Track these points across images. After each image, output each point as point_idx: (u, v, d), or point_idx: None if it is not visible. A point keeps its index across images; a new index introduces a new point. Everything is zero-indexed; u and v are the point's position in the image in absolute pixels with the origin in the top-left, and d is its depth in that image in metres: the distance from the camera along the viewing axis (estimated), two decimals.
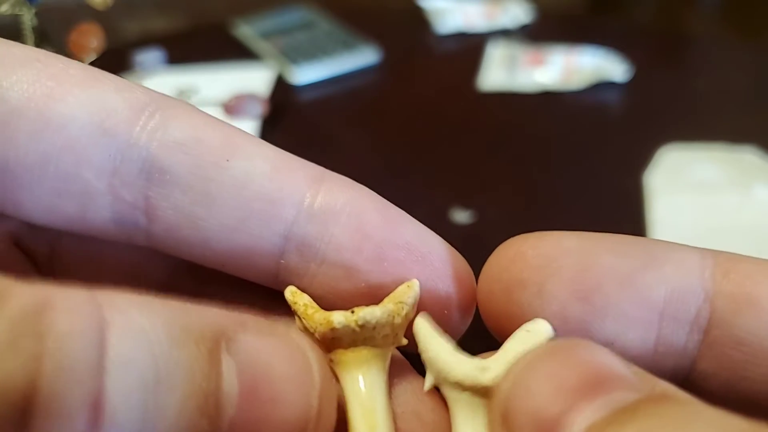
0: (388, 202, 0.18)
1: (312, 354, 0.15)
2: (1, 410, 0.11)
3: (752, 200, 0.58)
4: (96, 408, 0.11)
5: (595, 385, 0.13)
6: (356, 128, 0.71)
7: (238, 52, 0.84)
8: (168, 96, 0.17)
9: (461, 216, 0.56)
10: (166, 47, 0.81)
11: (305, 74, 0.78)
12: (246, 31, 0.88)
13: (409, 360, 0.18)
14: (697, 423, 0.12)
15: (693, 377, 0.16)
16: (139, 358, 0.12)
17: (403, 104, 0.76)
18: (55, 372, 0.11)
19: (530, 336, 0.16)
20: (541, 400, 0.13)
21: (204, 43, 0.88)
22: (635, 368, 0.14)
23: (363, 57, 0.81)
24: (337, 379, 0.16)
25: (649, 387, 0.14)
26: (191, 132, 0.17)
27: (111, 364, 0.12)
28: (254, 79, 0.77)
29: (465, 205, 0.56)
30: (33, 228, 0.18)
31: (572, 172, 0.63)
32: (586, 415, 0.13)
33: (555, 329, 0.16)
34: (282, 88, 0.77)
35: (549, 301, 0.16)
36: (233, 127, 0.18)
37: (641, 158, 0.62)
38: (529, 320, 0.16)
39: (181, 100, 0.18)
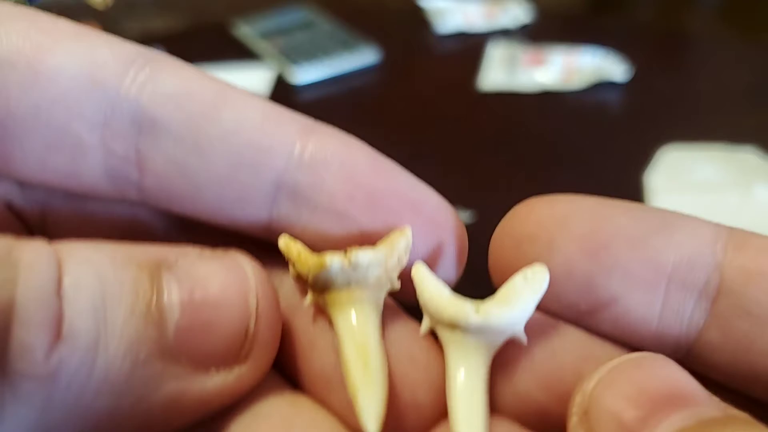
0: (379, 154, 0.18)
1: (247, 263, 0.16)
2: None
3: (752, 200, 0.58)
4: (57, 324, 0.13)
5: (680, 397, 0.14)
6: (356, 128, 0.71)
7: (238, 52, 0.84)
8: (157, 51, 0.17)
9: (461, 216, 0.55)
10: (166, 47, 0.80)
11: (305, 74, 0.78)
12: (246, 31, 0.88)
13: (404, 312, 0.18)
14: None
15: (698, 348, 0.16)
16: (88, 282, 0.14)
17: (403, 104, 0.76)
18: (26, 293, 0.13)
19: (527, 282, 0.16)
20: (627, 403, 0.14)
21: (204, 43, 0.88)
22: (714, 397, 0.14)
23: (363, 57, 0.81)
24: (331, 323, 0.17)
25: (725, 410, 0.14)
26: (181, 84, 0.17)
27: (65, 288, 0.14)
28: (254, 79, 0.77)
29: (465, 205, 0.56)
30: (24, 190, 0.18)
31: (572, 172, 0.63)
32: (672, 420, 0.13)
33: (561, 284, 0.16)
34: (282, 88, 0.77)
35: (556, 254, 0.16)
36: (223, 80, 0.18)
37: (641, 158, 0.62)
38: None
39: (169, 56, 0.18)
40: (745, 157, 0.63)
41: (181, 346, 0.15)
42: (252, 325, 0.15)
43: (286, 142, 0.17)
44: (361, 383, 0.15)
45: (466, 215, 0.55)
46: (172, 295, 0.15)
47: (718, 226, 0.16)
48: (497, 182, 0.62)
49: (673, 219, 0.17)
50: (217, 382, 0.15)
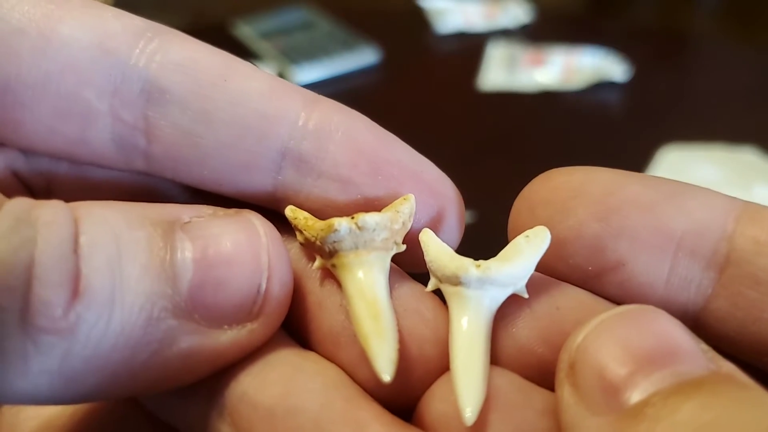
0: (380, 126, 0.18)
1: (259, 222, 0.16)
2: (12, 278, 0.13)
3: (751, 200, 0.58)
4: (75, 281, 0.14)
5: (664, 354, 0.13)
6: None
7: (238, 52, 0.83)
8: (164, 26, 0.18)
9: None
10: None
11: (305, 74, 0.78)
12: (246, 31, 0.88)
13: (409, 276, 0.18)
14: (758, 407, 0.12)
15: (705, 316, 0.16)
16: (103, 240, 0.14)
17: (403, 104, 0.76)
18: (45, 252, 0.14)
19: (528, 241, 0.16)
20: (612, 359, 0.14)
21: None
22: (704, 345, 0.14)
23: (363, 57, 0.81)
24: (339, 285, 0.17)
25: (715, 366, 0.14)
26: (189, 54, 0.17)
27: (82, 246, 0.14)
28: None
29: (465, 205, 0.56)
30: (29, 159, 0.18)
31: None
32: (652, 381, 0.13)
33: (570, 245, 0.16)
34: None
35: (568, 217, 0.17)
36: (230, 54, 0.18)
37: (641, 158, 0.62)
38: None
39: (177, 30, 0.18)
40: (745, 157, 0.63)
41: (194, 303, 0.15)
42: (264, 283, 0.16)
43: (291, 111, 0.17)
44: (373, 335, 0.16)
45: (466, 215, 0.55)
46: (186, 252, 0.15)
47: (733, 198, 0.17)
48: (497, 182, 0.62)
49: (686, 189, 0.17)
50: (231, 337, 0.16)
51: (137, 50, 0.17)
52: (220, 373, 0.16)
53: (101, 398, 0.15)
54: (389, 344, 0.16)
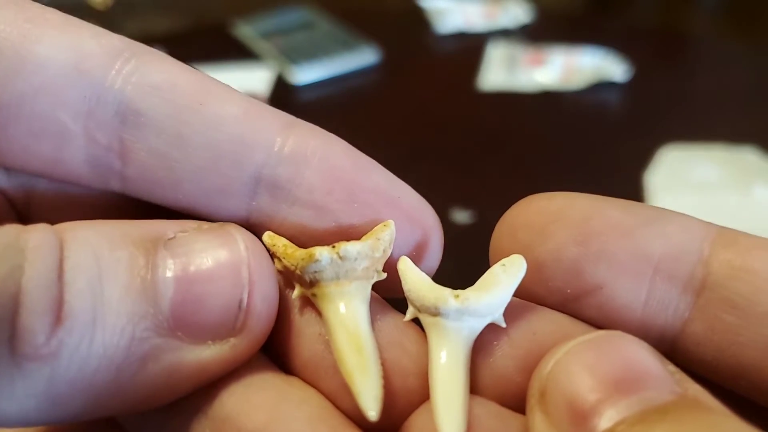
0: (358, 151, 0.18)
1: (240, 236, 0.16)
2: (0, 308, 0.14)
3: (752, 200, 0.58)
4: (58, 308, 0.14)
5: (631, 380, 0.14)
6: (356, 128, 0.71)
7: (238, 52, 0.84)
8: (143, 44, 0.18)
9: (461, 216, 0.56)
10: (167, 47, 0.80)
11: (305, 74, 0.78)
12: (246, 31, 0.88)
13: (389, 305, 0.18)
14: None
15: (683, 340, 0.17)
16: (86, 263, 0.15)
17: (403, 104, 0.76)
18: (33, 278, 0.14)
19: (505, 270, 0.16)
20: (579, 387, 0.14)
21: (204, 43, 0.88)
22: (672, 367, 0.14)
23: (363, 57, 0.81)
24: (320, 314, 0.17)
25: (682, 389, 0.14)
26: (166, 77, 0.17)
27: (66, 272, 0.14)
28: (254, 79, 0.77)
29: (465, 205, 0.56)
30: (9, 173, 0.18)
31: (572, 172, 0.63)
32: (618, 409, 0.13)
33: (549, 268, 0.17)
34: (282, 88, 0.77)
35: (547, 240, 0.17)
36: (206, 74, 0.18)
37: (641, 158, 0.62)
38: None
39: (156, 50, 0.18)
40: (745, 157, 0.63)
41: (176, 320, 0.15)
42: (245, 297, 0.16)
43: (266, 136, 0.17)
44: (356, 370, 0.16)
45: (466, 215, 0.55)
46: (167, 271, 0.15)
47: (708, 224, 0.17)
48: (497, 182, 0.62)
49: (663, 214, 0.17)
50: (214, 352, 0.16)
51: (113, 71, 0.17)
52: (204, 390, 0.16)
53: (89, 417, 0.15)
54: (373, 380, 0.16)
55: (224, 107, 0.17)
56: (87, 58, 0.17)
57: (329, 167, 0.17)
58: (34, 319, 0.14)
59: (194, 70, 0.18)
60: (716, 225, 0.17)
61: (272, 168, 0.17)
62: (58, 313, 0.14)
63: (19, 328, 0.14)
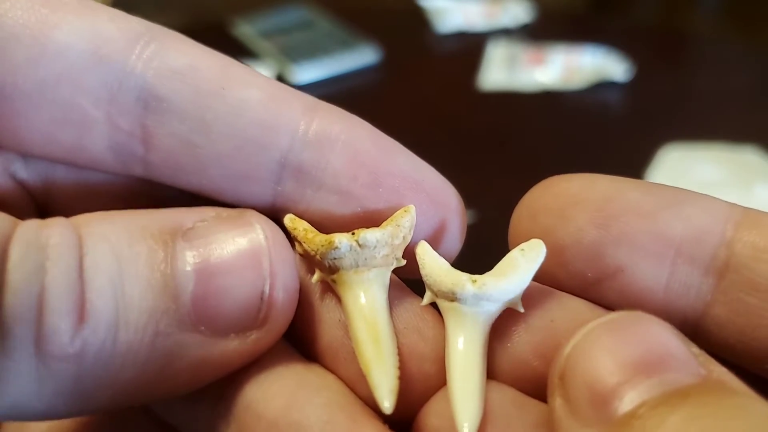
0: (382, 133, 0.18)
1: (260, 224, 0.16)
2: (26, 309, 0.14)
3: (752, 200, 0.58)
4: (81, 307, 0.14)
5: (653, 363, 0.13)
6: None
7: (237, 51, 0.84)
8: (162, 27, 0.17)
9: None
10: None
11: (305, 74, 0.78)
12: (246, 30, 0.88)
13: (409, 287, 0.18)
14: (748, 416, 0.12)
15: (706, 323, 0.16)
16: (106, 260, 0.14)
17: (403, 104, 0.76)
18: (56, 277, 0.14)
19: (524, 254, 0.16)
20: (600, 369, 0.14)
21: (204, 42, 0.87)
22: (695, 349, 0.14)
23: (363, 57, 0.81)
24: (338, 300, 0.17)
25: (706, 370, 0.14)
26: (187, 61, 0.17)
27: (86, 270, 0.14)
28: None
29: (465, 204, 0.56)
30: (27, 162, 0.18)
31: (573, 172, 0.63)
32: (639, 391, 0.13)
33: (569, 251, 0.16)
34: None
35: (567, 224, 0.17)
36: (228, 57, 0.18)
37: (642, 158, 0.62)
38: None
39: (175, 32, 0.18)
40: (746, 156, 0.63)
41: (198, 315, 0.15)
42: (267, 289, 0.16)
43: (290, 120, 0.17)
44: (373, 360, 0.16)
45: (466, 214, 0.55)
46: (187, 263, 0.15)
47: (733, 205, 0.16)
48: (497, 182, 0.62)
49: (685, 195, 0.17)
50: (237, 345, 0.16)
51: (133, 56, 0.16)
52: (227, 378, 0.16)
53: (116, 408, 0.16)
54: (389, 372, 0.16)
55: (247, 91, 0.17)
56: (106, 42, 0.16)
57: (354, 152, 0.17)
58: (58, 319, 0.14)
59: (215, 52, 0.18)
60: (741, 206, 0.16)
61: (297, 153, 0.17)
62: (81, 313, 0.14)
63: (44, 328, 0.14)
